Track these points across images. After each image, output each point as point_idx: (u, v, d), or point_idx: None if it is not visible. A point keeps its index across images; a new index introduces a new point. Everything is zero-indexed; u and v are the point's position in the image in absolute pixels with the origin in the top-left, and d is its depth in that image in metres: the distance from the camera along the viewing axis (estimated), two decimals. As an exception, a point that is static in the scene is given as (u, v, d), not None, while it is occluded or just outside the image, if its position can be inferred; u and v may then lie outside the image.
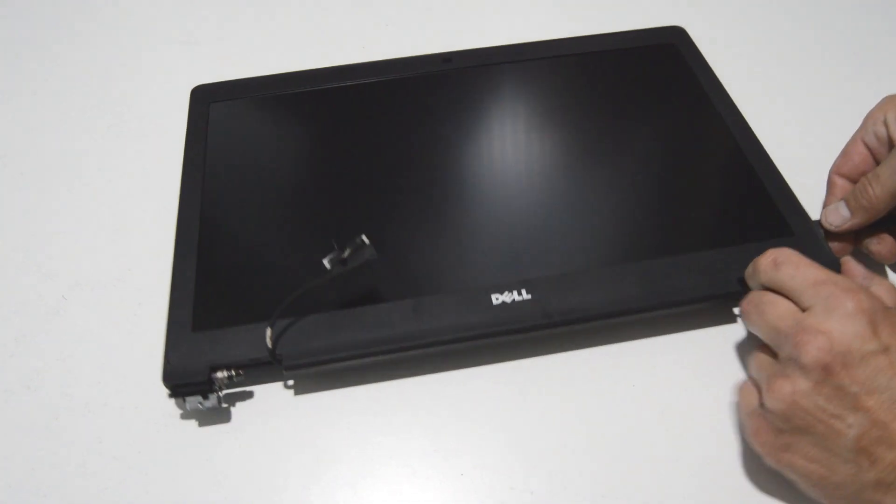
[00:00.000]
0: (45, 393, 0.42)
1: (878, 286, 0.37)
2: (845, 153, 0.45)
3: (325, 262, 0.41)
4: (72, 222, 0.51)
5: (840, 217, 0.43)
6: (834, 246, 0.44)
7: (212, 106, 0.53)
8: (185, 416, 0.41)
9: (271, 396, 0.42)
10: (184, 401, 0.40)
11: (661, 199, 0.48)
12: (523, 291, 0.42)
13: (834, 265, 0.42)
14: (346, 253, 0.41)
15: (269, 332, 0.40)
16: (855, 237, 0.45)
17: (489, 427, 0.40)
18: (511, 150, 0.50)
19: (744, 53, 0.62)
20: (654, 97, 0.54)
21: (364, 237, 0.41)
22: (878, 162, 0.44)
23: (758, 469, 0.38)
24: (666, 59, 0.56)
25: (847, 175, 0.45)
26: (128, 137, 0.57)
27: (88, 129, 0.57)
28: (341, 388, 0.42)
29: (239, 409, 0.42)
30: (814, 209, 0.47)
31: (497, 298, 0.42)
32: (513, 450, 0.39)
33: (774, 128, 0.53)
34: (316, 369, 0.40)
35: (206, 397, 0.39)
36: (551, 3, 0.68)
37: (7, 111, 0.59)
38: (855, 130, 0.46)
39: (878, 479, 0.32)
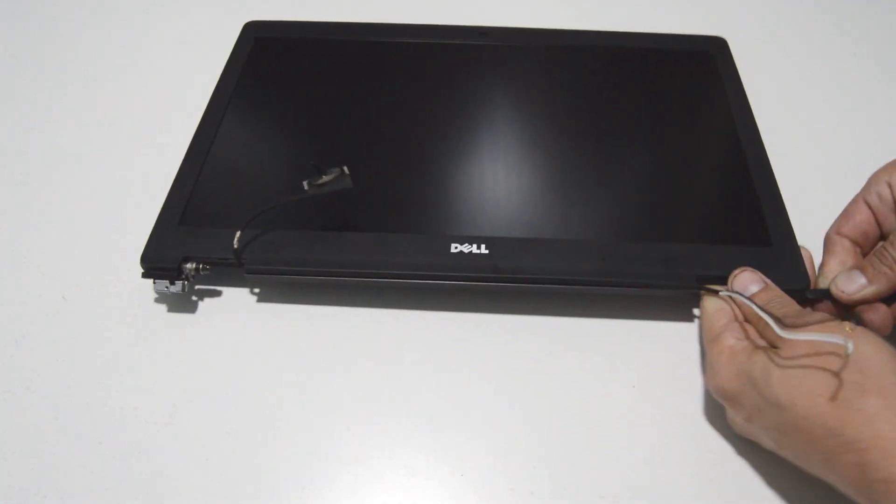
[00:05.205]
0: (45, 393, 0.42)
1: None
2: (846, 213, 0.43)
3: (304, 183, 0.44)
4: (72, 222, 0.50)
5: (856, 284, 0.40)
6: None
7: (256, 40, 0.57)
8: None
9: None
10: (154, 283, 0.43)
11: (648, 189, 0.48)
12: (482, 246, 0.43)
13: (804, 281, 0.41)
14: (325, 178, 0.44)
15: (237, 235, 0.43)
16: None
17: (490, 427, 0.40)
18: (513, 124, 0.52)
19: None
20: (674, 97, 0.54)
21: (345, 168, 0.44)
22: (880, 224, 0.42)
23: (758, 469, 0.38)
24: (700, 67, 0.56)
25: (848, 235, 0.43)
26: (129, 136, 0.56)
27: (89, 129, 0.57)
28: (301, 304, 0.45)
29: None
30: (805, 231, 0.45)
31: (455, 248, 0.43)
32: (513, 450, 0.39)
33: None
34: (274, 277, 0.43)
35: (172, 283, 0.43)
36: None
37: (7, 111, 0.58)
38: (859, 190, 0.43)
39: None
